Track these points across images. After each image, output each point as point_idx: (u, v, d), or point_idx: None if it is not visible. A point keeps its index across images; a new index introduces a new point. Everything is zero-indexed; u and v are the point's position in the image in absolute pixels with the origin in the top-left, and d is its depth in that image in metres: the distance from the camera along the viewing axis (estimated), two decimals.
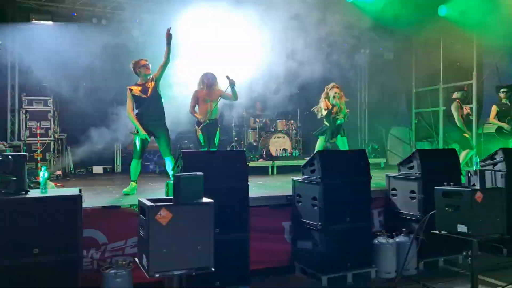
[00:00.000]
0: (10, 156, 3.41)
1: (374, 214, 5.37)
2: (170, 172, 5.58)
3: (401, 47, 11.45)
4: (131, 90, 5.73)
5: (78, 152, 9.61)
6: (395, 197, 5.36)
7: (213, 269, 2.98)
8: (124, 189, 5.58)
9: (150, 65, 5.84)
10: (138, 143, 5.69)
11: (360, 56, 11.97)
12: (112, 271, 3.71)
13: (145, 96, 5.71)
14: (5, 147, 6.12)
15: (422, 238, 4.42)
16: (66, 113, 9.68)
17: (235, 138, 10.18)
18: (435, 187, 4.06)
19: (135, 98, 5.72)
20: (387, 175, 5.63)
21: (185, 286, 3.26)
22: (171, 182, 4.56)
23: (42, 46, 9.96)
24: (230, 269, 3.98)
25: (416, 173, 5.05)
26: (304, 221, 4.70)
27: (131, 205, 4.43)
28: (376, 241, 4.77)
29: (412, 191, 5.09)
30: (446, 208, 3.87)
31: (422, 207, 4.92)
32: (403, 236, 4.87)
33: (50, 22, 9.41)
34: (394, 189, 5.39)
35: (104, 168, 9.91)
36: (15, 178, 3.41)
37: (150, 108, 5.73)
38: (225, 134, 10.98)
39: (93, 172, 9.75)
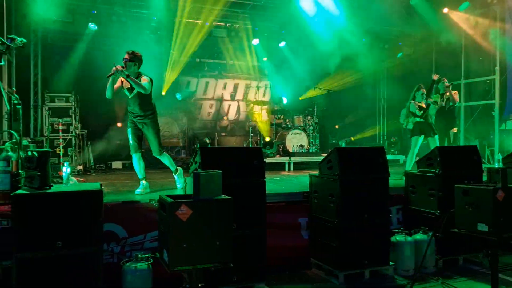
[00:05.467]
0: (34, 152, 3.51)
1: (392, 212, 5.34)
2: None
3: (422, 41, 11.29)
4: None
5: (98, 147, 9.82)
6: (413, 195, 5.30)
7: (231, 265, 3.02)
8: (137, 190, 5.39)
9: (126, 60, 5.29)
10: (129, 137, 5.50)
11: (380, 51, 11.85)
12: (132, 265, 3.78)
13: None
14: (29, 143, 6.27)
15: (441, 236, 4.37)
16: (86, 110, 9.87)
17: (252, 135, 10.22)
18: (455, 185, 4.01)
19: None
20: (405, 172, 5.57)
21: (203, 281, 3.30)
22: (189, 177, 4.62)
23: (65, 44, 10.21)
24: (246, 265, 4.02)
25: (435, 171, 4.99)
26: (321, 217, 4.70)
27: (150, 200, 4.50)
28: (394, 239, 4.74)
29: (431, 189, 5.03)
30: (466, 207, 3.81)
31: (441, 205, 4.85)
32: (421, 233, 4.82)
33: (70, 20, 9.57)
34: (412, 186, 5.34)
35: (123, 164, 10.08)
36: (39, 173, 3.52)
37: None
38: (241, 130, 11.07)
39: (113, 167, 9.92)
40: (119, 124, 10.38)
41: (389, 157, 5.14)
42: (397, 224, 5.34)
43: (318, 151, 10.09)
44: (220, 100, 12.80)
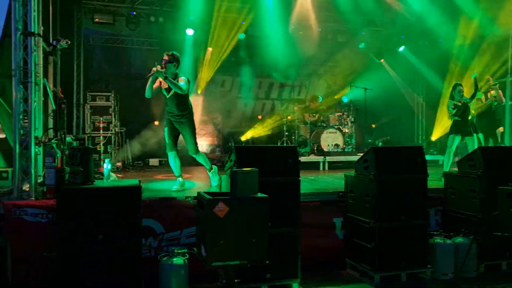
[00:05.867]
0: (78, 149, 3.68)
1: (431, 213, 5.19)
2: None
3: (464, 36, 10.87)
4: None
5: (136, 145, 10.12)
6: (453, 196, 5.13)
7: (267, 262, 3.04)
8: (174, 187, 5.46)
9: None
10: (166, 136, 5.58)
11: (419, 47, 11.54)
12: (169, 260, 3.87)
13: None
14: (72, 140, 6.55)
15: (483, 239, 4.21)
16: (125, 108, 10.18)
17: (286, 133, 10.20)
18: (499, 187, 3.85)
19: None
20: (445, 173, 5.41)
21: (238, 277, 3.35)
22: (224, 175, 4.68)
23: (105, 44, 10.58)
24: (280, 263, 4.03)
25: (477, 172, 4.81)
26: (357, 217, 4.64)
27: (186, 197, 4.60)
28: (433, 241, 4.61)
29: (473, 190, 4.85)
30: (511, 210, 3.66)
31: (483, 207, 4.67)
32: (461, 237, 4.66)
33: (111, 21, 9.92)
34: (452, 188, 5.17)
35: (160, 161, 10.32)
36: (82, 169, 3.68)
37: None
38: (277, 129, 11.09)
39: (150, 164, 10.18)
40: (156, 122, 10.65)
41: (428, 157, 4.99)
42: (436, 226, 5.19)
43: (353, 150, 9.92)
44: (255, 98, 12.86)
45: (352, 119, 10.38)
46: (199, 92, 11.43)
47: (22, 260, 3.95)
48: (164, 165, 10.12)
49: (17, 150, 4.29)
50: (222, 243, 2.97)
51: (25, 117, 4.36)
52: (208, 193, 3.19)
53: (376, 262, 4.37)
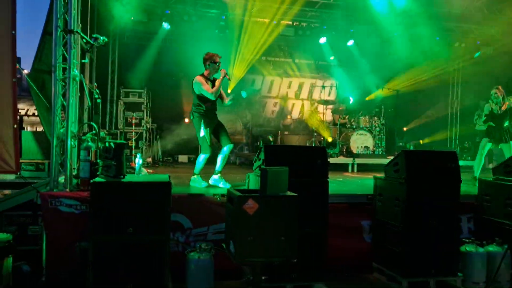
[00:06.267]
0: (111, 144, 3.78)
1: (463, 220, 5.04)
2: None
3: (503, 40, 10.49)
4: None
5: (166, 141, 10.31)
6: (488, 204, 4.97)
7: (295, 260, 3.05)
8: (212, 180, 5.54)
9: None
10: (209, 136, 5.54)
11: (455, 50, 11.21)
12: (196, 255, 3.92)
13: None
14: (106, 135, 6.75)
15: None
16: (157, 105, 10.38)
17: (315, 134, 10.13)
18: None
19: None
20: (479, 179, 5.24)
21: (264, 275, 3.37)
22: (251, 174, 4.71)
23: (139, 42, 10.82)
24: (306, 263, 4.00)
25: None
26: (386, 221, 4.57)
27: (214, 194, 4.65)
28: (464, 249, 4.48)
29: (509, 198, 4.67)
30: None
31: None
32: (495, 245, 4.50)
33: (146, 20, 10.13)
34: (487, 195, 5.00)
35: (188, 157, 10.47)
36: (115, 163, 3.78)
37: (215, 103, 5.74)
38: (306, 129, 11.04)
39: (179, 160, 10.34)
40: (186, 120, 10.81)
41: (461, 162, 4.84)
42: (468, 234, 5.04)
43: (383, 153, 9.75)
44: (285, 98, 12.84)
45: (383, 121, 10.20)
46: (229, 90, 11.52)
47: (56, 248, 4.11)
48: (193, 162, 10.27)
49: (54, 143, 4.46)
50: (251, 239, 2.99)
51: (63, 112, 4.53)
52: (237, 190, 3.23)
53: (405, 267, 4.28)
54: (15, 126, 4.35)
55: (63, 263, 4.05)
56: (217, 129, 5.66)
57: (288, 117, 12.59)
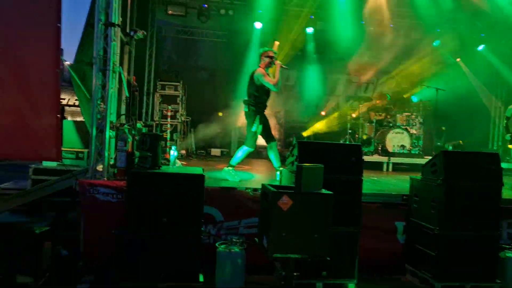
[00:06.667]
0: (148, 135, 3.86)
1: (503, 226, 4.84)
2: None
3: None
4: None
5: (200, 134, 10.44)
6: None
7: (328, 258, 3.04)
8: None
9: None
10: (263, 129, 5.61)
11: (502, 47, 10.71)
12: (227, 248, 3.96)
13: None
14: (142, 126, 6.90)
15: None
16: (192, 98, 10.51)
17: (349, 131, 9.97)
18: None
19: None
20: None
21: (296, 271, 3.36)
22: (284, 169, 4.69)
23: (176, 35, 10.96)
24: (338, 262, 3.96)
25: None
26: (420, 223, 4.45)
27: (246, 188, 4.67)
28: (503, 255, 4.31)
29: None
30: None
31: None
32: None
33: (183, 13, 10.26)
34: None
35: (221, 151, 10.56)
36: (151, 155, 3.86)
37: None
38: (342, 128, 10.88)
39: (212, 154, 10.45)
40: (220, 114, 10.90)
41: (503, 165, 4.64)
42: (508, 240, 4.85)
43: (421, 153, 9.46)
44: (319, 94, 12.68)
45: (421, 120, 9.89)
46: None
47: (93, 235, 4.25)
48: (225, 155, 10.37)
49: (94, 133, 4.60)
50: (284, 235, 3.00)
51: (102, 103, 4.66)
52: (272, 185, 3.23)
53: (439, 270, 4.16)
54: (58, 115, 4.51)
55: (99, 249, 4.18)
56: (265, 125, 5.72)
57: (322, 113, 12.43)
